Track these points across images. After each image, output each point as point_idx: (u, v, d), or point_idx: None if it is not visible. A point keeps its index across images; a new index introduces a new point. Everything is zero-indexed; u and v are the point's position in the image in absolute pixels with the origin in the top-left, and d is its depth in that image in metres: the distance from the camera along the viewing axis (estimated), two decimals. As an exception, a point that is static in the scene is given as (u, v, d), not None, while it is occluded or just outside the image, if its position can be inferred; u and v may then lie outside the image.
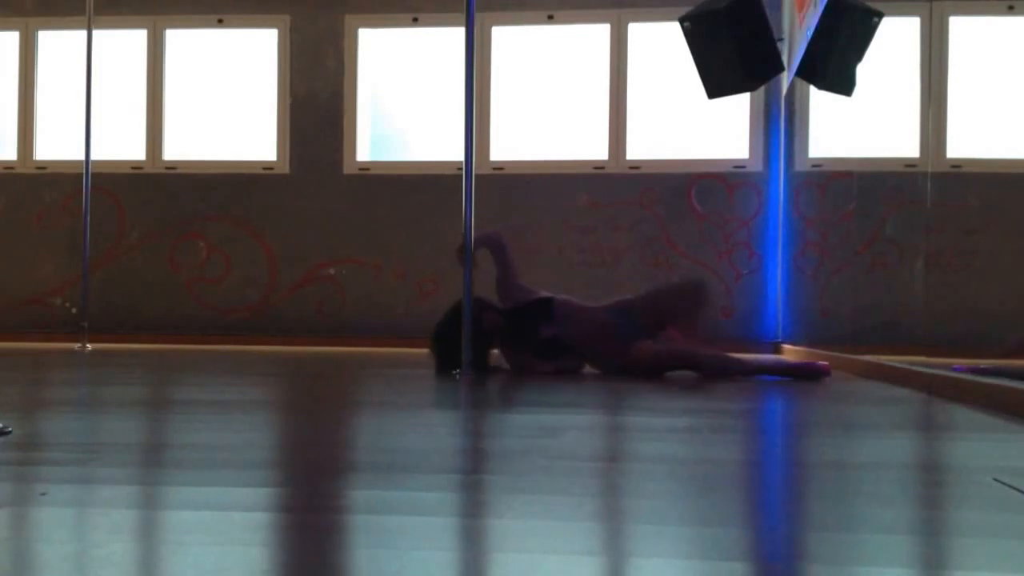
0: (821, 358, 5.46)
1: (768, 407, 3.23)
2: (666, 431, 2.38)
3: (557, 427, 2.43)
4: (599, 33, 7.13)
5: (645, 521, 1.35)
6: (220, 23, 7.48)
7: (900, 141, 6.65)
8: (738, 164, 6.98)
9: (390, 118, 7.45)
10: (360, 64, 7.34)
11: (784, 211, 6.88)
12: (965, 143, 6.55)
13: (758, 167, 6.96)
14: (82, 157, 6.26)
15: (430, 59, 7.29)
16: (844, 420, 2.81)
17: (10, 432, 2.03)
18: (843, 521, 1.36)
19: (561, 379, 3.96)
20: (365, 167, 7.31)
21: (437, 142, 7.17)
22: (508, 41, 7.23)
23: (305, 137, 7.34)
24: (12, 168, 7.58)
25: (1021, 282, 6.47)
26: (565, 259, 6.97)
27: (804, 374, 4.11)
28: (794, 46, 5.52)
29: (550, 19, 7.18)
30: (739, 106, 6.78)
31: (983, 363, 4.15)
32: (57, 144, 7.53)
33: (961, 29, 6.62)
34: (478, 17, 4.88)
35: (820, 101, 6.55)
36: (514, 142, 7.18)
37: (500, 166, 7.10)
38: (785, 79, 6.17)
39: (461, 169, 4.14)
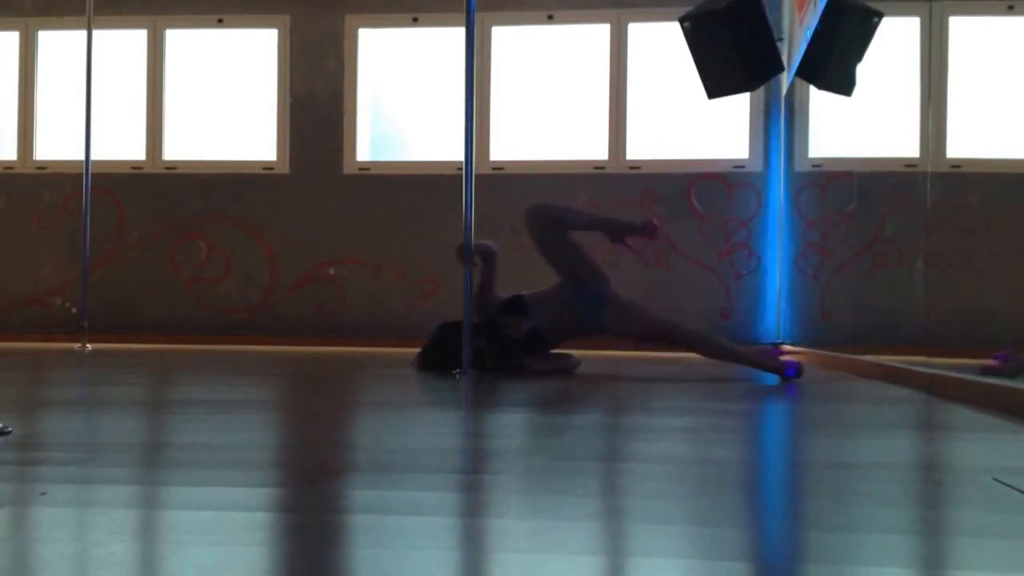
0: (821, 358, 5.46)
1: (768, 407, 3.23)
2: (666, 431, 2.38)
3: (557, 427, 2.43)
4: (599, 33, 7.13)
5: (645, 521, 1.35)
6: (220, 23, 7.48)
7: (900, 141, 6.65)
8: (738, 164, 6.98)
9: (390, 118, 7.44)
10: (360, 64, 7.34)
11: (784, 211, 6.88)
12: (965, 143, 6.55)
13: (758, 167, 6.96)
14: (82, 157, 6.26)
15: (430, 59, 7.29)
16: (844, 420, 2.81)
17: (10, 432, 2.03)
18: (843, 521, 1.36)
19: (560, 379, 3.96)
20: (365, 167, 7.31)
21: (437, 142, 7.17)
22: (508, 41, 7.23)
23: (305, 137, 7.34)
24: (12, 168, 7.58)
25: (1021, 282, 6.47)
26: (565, 259, 6.96)
27: (769, 369, 4.08)
28: (794, 46, 5.52)
29: (550, 19, 7.17)
30: (739, 106, 6.78)
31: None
32: (57, 144, 7.53)
33: (961, 29, 6.62)
34: (478, 17, 4.88)
35: (820, 101, 6.55)
36: (514, 142, 7.18)
37: (500, 166, 7.10)
38: (785, 79, 6.17)
39: (461, 169, 4.14)
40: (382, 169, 7.30)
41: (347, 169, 7.30)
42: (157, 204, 7.43)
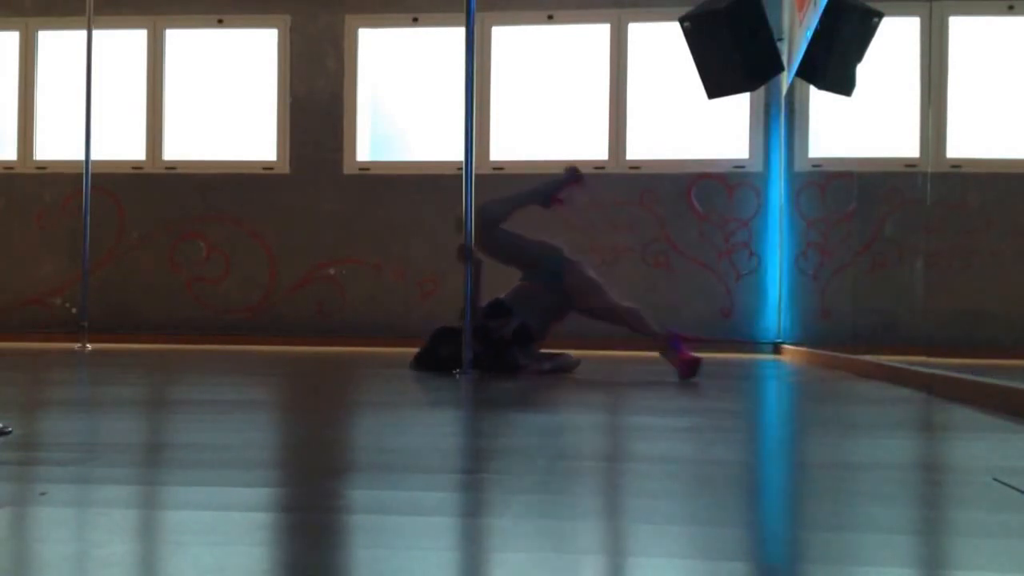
0: (822, 358, 5.46)
1: (768, 407, 3.23)
2: (666, 431, 2.38)
3: (557, 427, 2.43)
4: (599, 33, 7.13)
5: (645, 521, 1.35)
6: (220, 23, 7.48)
7: (900, 141, 6.64)
8: (738, 164, 6.98)
9: (390, 118, 7.44)
10: (360, 64, 7.34)
11: (784, 211, 6.88)
12: (965, 143, 6.54)
13: (758, 167, 6.96)
14: (82, 157, 6.26)
15: (430, 59, 7.28)
16: (844, 420, 2.81)
17: (10, 432, 2.03)
18: (843, 521, 1.36)
19: (559, 379, 3.96)
20: (365, 167, 7.31)
21: (437, 142, 7.17)
22: (508, 41, 7.23)
23: (305, 137, 7.34)
24: (12, 168, 7.58)
25: (1021, 282, 6.47)
26: (565, 259, 6.96)
27: (669, 358, 4.07)
28: (794, 46, 5.52)
29: (550, 19, 7.17)
30: (739, 106, 6.77)
31: None
32: (57, 144, 7.52)
33: (961, 29, 6.62)
34: (478, 17, 4.87)
35: (820, 101, 6.55)
36: (514, 142, 7.18)
37: (500, 166, 7.10)
38: (785, 79, 6.17)
39: (461, 169, 4.14)
40: (382, 169, 7.30)
41: (347, 169, 7.30)
42: (157, 204, 7.43)
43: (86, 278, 6.27)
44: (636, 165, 7.04)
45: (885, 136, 6.70)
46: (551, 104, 7.21)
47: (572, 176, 4.52)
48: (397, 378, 3.99)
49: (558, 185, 4.60)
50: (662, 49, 6.93)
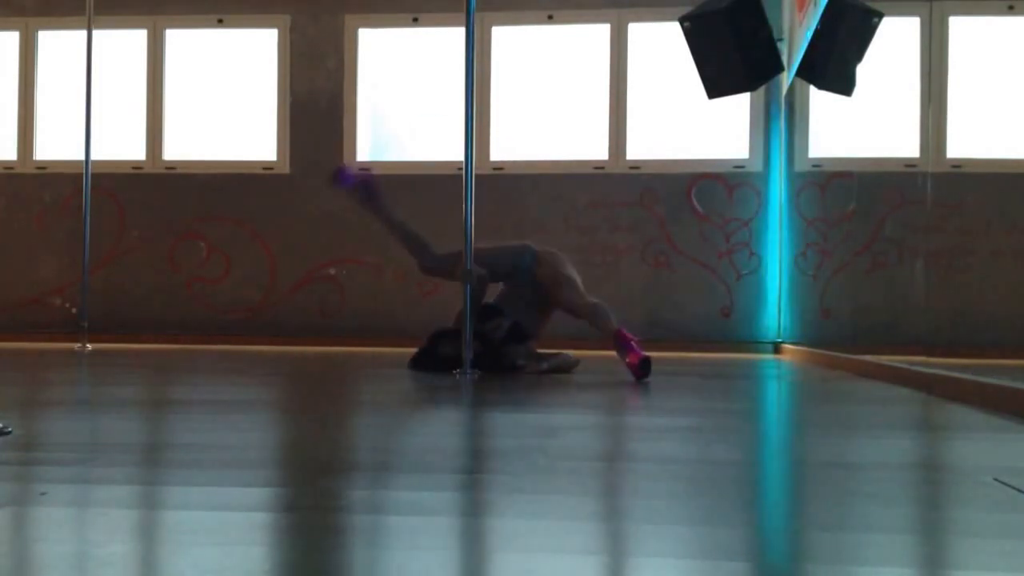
0: (822, 358, 5.46)
1: (768, 407, 3.23)
2: (666, 431, 2.38)
3: (557, 427, 2.43)
4: (599, 33, 7.13)
5: (645, 521, 1.35)
6: (220, 23, 7.48)
7: (900, 141, 6.64)
8: (738, 164, 6.98)
9: (390, 118, 7.44)
10: (360, 64, 7.34)
11: (784, 211, 6.88)
12: (965, 143, 6.54)
13: (758, 167, 6.96)
14: (82, 157, 6.26)
15: (430, 59, 7.28)
16: (844, 420, 2.81)
17: (10, 432, 2.03)
18: (843, 521, 1.36)
19: (558, 379, 3.96)
20: (365, 167, 7.30)
21: (437, 142, 7.17)
22: (508, 41, 7.23)
23: (305, 137, 7.34)
24: (12, 168, 7.58)
25: (1021, 282, 6.47)
26: (565, 259, 6.96)
27: (622, 358, 4.06)
28: (794, 46, 5.52)
29: (550, 19, 7.17)
30: (739, 106, 6.77)
31: None
32: (57, 144, 7.52)
33: (961, 29, 6.62)
34: (478, 17, 4.88)
35: (820, 101, 6.55)
36: (514, 142, 7.18)
37: (500, 166, 7.10)
38: (785, 79, 6.16)
39: (461, 169, 4.14)
40: (382, 169, 7.29)
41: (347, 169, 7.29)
42: (157, 204, 7.43)
43: (86, 278, 6.27)
44: (636, 165, 7.04)
45: (885, 136, 6.70)
46: (551, 104, 7.21)
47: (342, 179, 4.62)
48: (397, 378, 3.99)
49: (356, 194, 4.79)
50: (662, 49, 6.93)
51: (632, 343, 3.99)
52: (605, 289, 6.90)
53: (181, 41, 7.52)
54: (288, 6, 7.36)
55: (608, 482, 1.69)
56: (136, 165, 7.47)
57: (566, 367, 4.30)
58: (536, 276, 4.36)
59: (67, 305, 7.33)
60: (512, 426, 2.46)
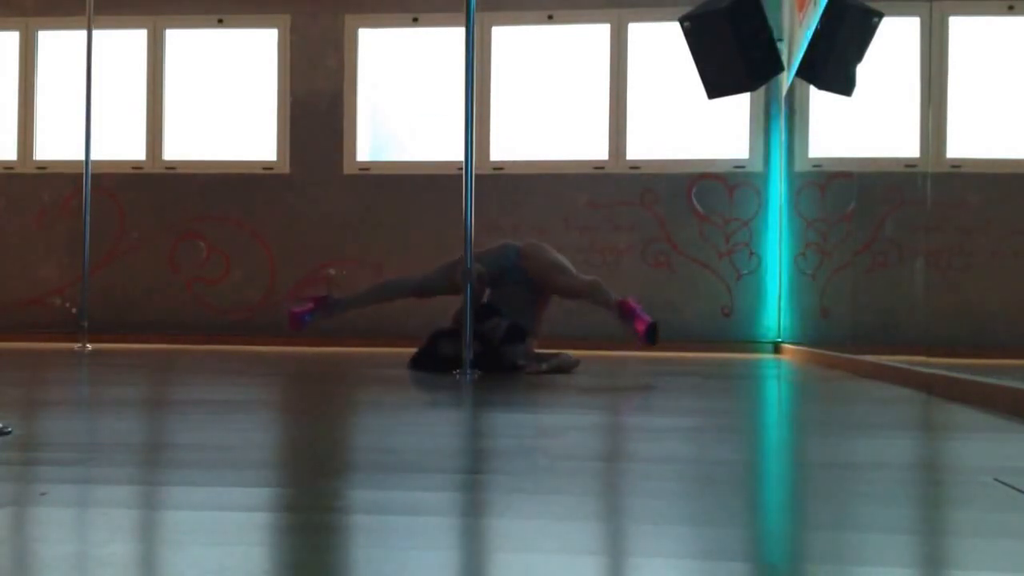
0: (822, 358, 5.46)
1: (768, 407, 3.23)
2: (666, 431, 2.38)
3: (557, 427, 2.43)
4: (599, 33, 7.13)
5: (645, 521, 1.35)
6: (220, 23, 7.48)
7: (900, 141, 6.64)
8: (738, 164, 6.98)
9: (390, 118, 7.44)
10: (360, 64, 7.34)
11: (784, 211, 6.88)
12: (965, 143, 6.54)
13: (758, 167, 6.96)
14: (82, 157, 6.26)
15: (430, 59, 7.28)
16: (844, 420, 2.81)
17: (10, 432, 2.03)
18: (843, 521, 1.36)
19: (558, 379, 3.96)
20: (365, 167, 7.31)
21: (437, 142, 7.17)
22: (508, 41, 7.23)
23: (305, 137, 7.33)
24: (12, 168, 7.58)
25: (1021, 282, 6.46)
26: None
27: (628, 327, 4.07)
28: (794, 46, 5.52)
29: (550, 19, 7.17)
30: (739, 106, 6.77)
31: None
32: (57, 144, 7.52)
33: (961, 29, 6.62)
34: (478, 17, 4.88)
35: (820, 101, 6.55)
36: (514, 142, 7.18)
37: (500, 166, 7.10)
38: (785, 79, 6.16)
39: (461, 169, 4.14)
40: (382, 169, 7.30)
41: (347, 169, 7.30)
42: (157, 204, 7.43)
43: (86, 278, 6.27)
44: (636, 165, 7.04)
45: (885, 136, 6.70)
46: (551, 104, 7.20)
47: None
48: (397, 378, 3.99)
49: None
50: (662, 49, 6.93)
51: (637, 310, 4.01)
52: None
53: (181, 41, 7.52)
54: (288, 6, 7.36)
55: (608, 482, 1.69)
56: (136, 165, 7.47)
57: (566, 367, 4.30)
58: (526, 271, 4.36)
59: (67, 305, 7.32)
60: (512, 426, 2.46)
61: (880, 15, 4.80)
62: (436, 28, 7.20)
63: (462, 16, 4.17)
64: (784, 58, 5.48)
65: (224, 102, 7.49)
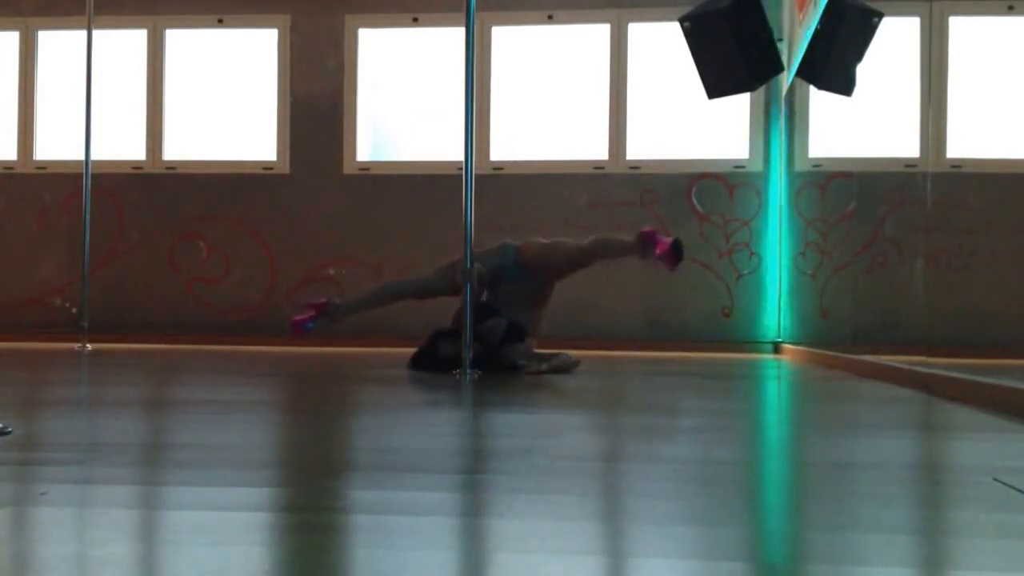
0: (821, 358, 5.46)
1: (768, 407, 3.23)
2: (666, 431, 2.38)
3: (557, 427, 2.43)
4: (599, 33, 7.13)
5: (645, 521, 1.35)
6: (220, 23, 7.48)
7: (900, 141, 6.64)
8: (738, 164, 6.98)
9: (390, 118, 7.44)
10: (360, 64, 7.34)
11: (784, 211, 6.88)
12: (965, 143, 6.54)
13: (758, 167, 6.96)
14: (82, 157, 6.26)
15: (430, 59, 7.28)
16: (844, 420, 2.81)
17: (10, 432, 2.03)
18: (843, 521, 1.36)
19: (559, 379, 3.96)
20: (365, 167, 7.31)
21: (437, 142, 7.16)
22: (508, 41, 7.22)
23: (305, 137, 7.33)
24: (12, 168, 7.58)
25: (1021, 282, 6.46)
26: (565, 259, 6.95)
27: (651, 259, 4.09)
28: (794, 46, 5.52)
29: (550, 19, 7.17)
30: (739, 106, 6.77)
31: None
32: (57, 144, 7.52)
33: (961, 29, 6.62)
34: (478, 17, 4.88)
35: (820, 101, 6.55)
36: (514, 142, 7.18)
37: (500, 166, 7.10)
38: (785, 79, 6.16)
39: (461, 169, 4.14)
40: (382, 169, 7.30)
41: (347, 169, 7.30)
42: (157, 204, 7.43)
43: (86, 278, 6.27)
44: (636, 165, 7.04)
45: (885, 136, 6.70)
46: (551, 104, 7.20)
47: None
48: (397, 378, 3.99)
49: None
50: (662, 49, 6.93)
51: (655, 235, 4.00)
52: (605, 289, 6.90)
53: (181, 41, 7.52)
54: (288, 6, 7.36)
55: (608, 482, 1.69)
56: (136, 165, 7.47)
57: (566, 367, 4.30)
58: (527, 267, 4.35)
59: (67, 305, 7.33)
60: (512, 426, 2.46)
61: (880, 15, 4.80)
62: (436, 28, 7.20)
63: (462, 16, 4.17)
64: (784, 58, 5.48)
65: (224, 102, 7.49)
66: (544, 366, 4.22)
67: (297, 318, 4.46)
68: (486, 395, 3.28)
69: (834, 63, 4.83)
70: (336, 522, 1.32)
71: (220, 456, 1.84)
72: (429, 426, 2.46)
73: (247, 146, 7.40)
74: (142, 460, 1.87)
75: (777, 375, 4.72)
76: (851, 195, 6.78)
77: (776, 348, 6.68)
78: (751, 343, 6.78)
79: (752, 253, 6.93)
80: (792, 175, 6.88)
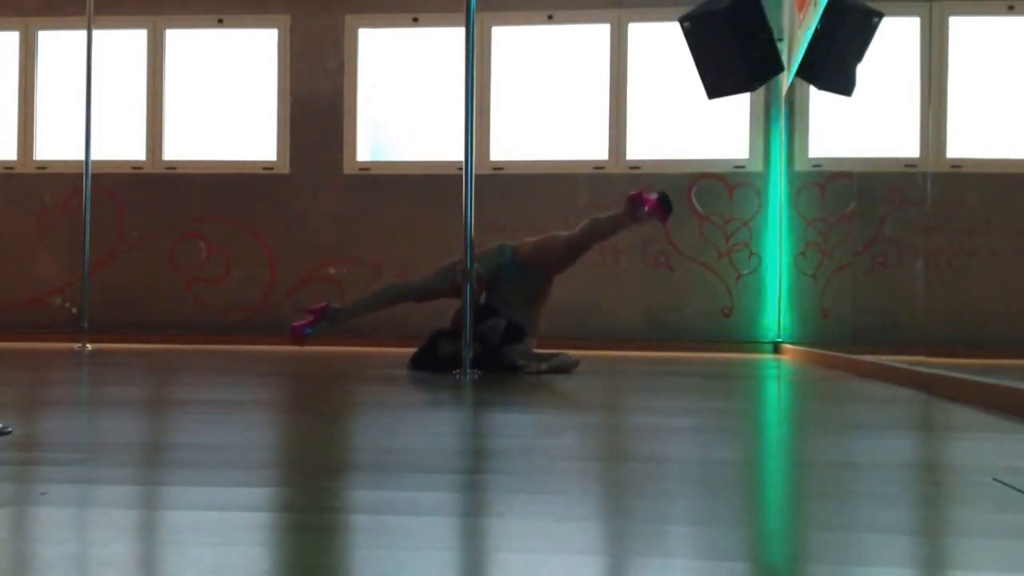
0: (821, 358, 5.46)
1: (768, 407, 3.23)
2: (666, 431, 2.38)
3: (557, 427, 2.43)
4: (599, 33, 7.13)
5: (645, 521, 1.35)
6: (220, 23, 7.48)
7: (900, 141, 6.64)
8: (738, 164, 6.98)
9: (390, 118, 7.44)
10: (360, 64, 7.34)
11: (784, 211, 6.88)
12: (965, 143, 6.54)
13: (758, 167, 6.96)
14: (82, 157, 6.26)
15: (430, 59, 7.28)
16: (844, 420, 2.81)
17: (10, 432, 2.03)
18: (843, 521, 1.36)
19: (559, 379, 3.96)
20: (365, 167, 7.31)
21: (437, 142, 7.16)
22: (508, 41, 7.22)
23: (305, 137, 7.33)
24: (12, 168, 7.58)
25: (1021, 282, 6.46)
26: (565, 259, 6.95)
27: (644, 218, 4.14)
28: (794, 46, 5.52)
29: (550, 19, 7.17)
30: (739, 106, 6.77)
31: None
32: (57, 144, 7.52)
33: (961, 29, 6.62)
34: (478, 17, 4.87)
35: (820, 101, 6.55)
36: (514, 142, 7.18)
37: (500, 166, 7.10)
38: (785, 79, 6.16)
39: (461, 169, 4.13)
40: (382, 169, 7.30)
41: (347, 169, 7.30)
42: (157, 204, 7.43)
43: (86, 278, 6.27)
44: (636, 165, 7.04)
45: (885, 136, 6.70)
46: (551, 104, 7.20)
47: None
48: (397, 378, 3.99)
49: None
50: (662, 49, 6.93)
51: (642, 194, 4.03)
52: (605, 289, 6.91)
53: (181, 41, 7.52)
54: (288, 6, 7.36)
55: (608, 482, 1.69)
56: (136, 165, 7.47)
57: (566, 367, 4.30)
58: (525, 265, 4.35)
59: (67, 305, 7.33)
60: (512, 426, 2.46)
61: (880, 15, 4.80)
62: (436, 28, 7.20)
63: (462, 16, 4.17)
64: (784, 58, 5.48)
65: (224, 102, 7.49)
66: (544, 366, 4.22)
67: (296, 324, 4.46)
68: (486, 395, 3.28)
69: (834, 63, 4.83)
70: (336, 522, 1.32)
71: (220, 456, 1.84)
72: (429, 426, 2.46)
73: (247, 146, 7.40)
74: (142, 460, 1.87)
75: (777, 375, 4.72)
76: (851, 195, 6.78)
77: (776, 348, 6.68)
78: (751, 343, 6.78)
79: (752, 253, 6.93)
80: (792, 175, 6.88)
